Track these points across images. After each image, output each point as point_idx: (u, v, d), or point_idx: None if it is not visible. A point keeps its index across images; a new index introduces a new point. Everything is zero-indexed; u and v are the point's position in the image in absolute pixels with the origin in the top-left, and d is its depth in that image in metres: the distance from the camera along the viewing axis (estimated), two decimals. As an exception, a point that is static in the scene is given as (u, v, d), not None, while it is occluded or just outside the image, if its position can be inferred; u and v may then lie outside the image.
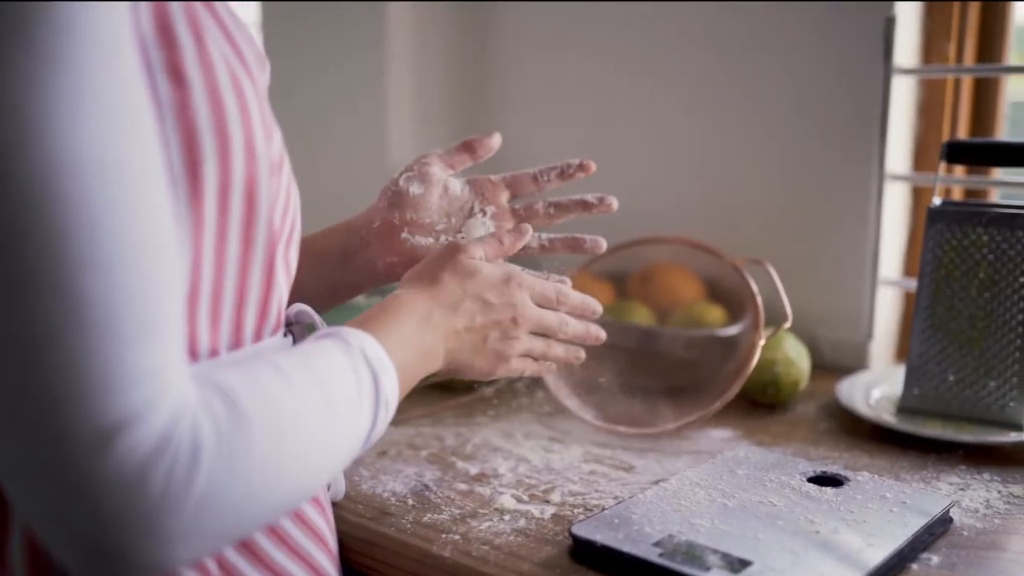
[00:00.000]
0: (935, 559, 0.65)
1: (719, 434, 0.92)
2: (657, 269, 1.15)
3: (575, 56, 1.34)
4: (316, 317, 0.66)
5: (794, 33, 1.15)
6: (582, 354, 0.78)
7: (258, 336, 0.57)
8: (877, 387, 1.01)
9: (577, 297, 0.75)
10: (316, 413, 0.51)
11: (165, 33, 0.48)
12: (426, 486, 0.79)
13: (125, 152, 0.44)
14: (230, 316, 0.54)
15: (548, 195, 0.85)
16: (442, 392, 1.03)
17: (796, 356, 1.01)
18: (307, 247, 0.78)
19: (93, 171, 0.42)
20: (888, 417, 0.93)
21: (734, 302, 1.05)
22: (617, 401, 0.98)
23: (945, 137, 1.14)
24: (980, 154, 0.95)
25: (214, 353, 0.53)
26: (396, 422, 0.95)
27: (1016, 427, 0.89)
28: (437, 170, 0.79)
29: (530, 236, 0.76)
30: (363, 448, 0.57)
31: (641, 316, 1.11)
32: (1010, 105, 1.15)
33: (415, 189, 0.78)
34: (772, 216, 1.19)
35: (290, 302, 0.64)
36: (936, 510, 0.69)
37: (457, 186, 0.81)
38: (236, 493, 0.45)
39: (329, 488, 0.73)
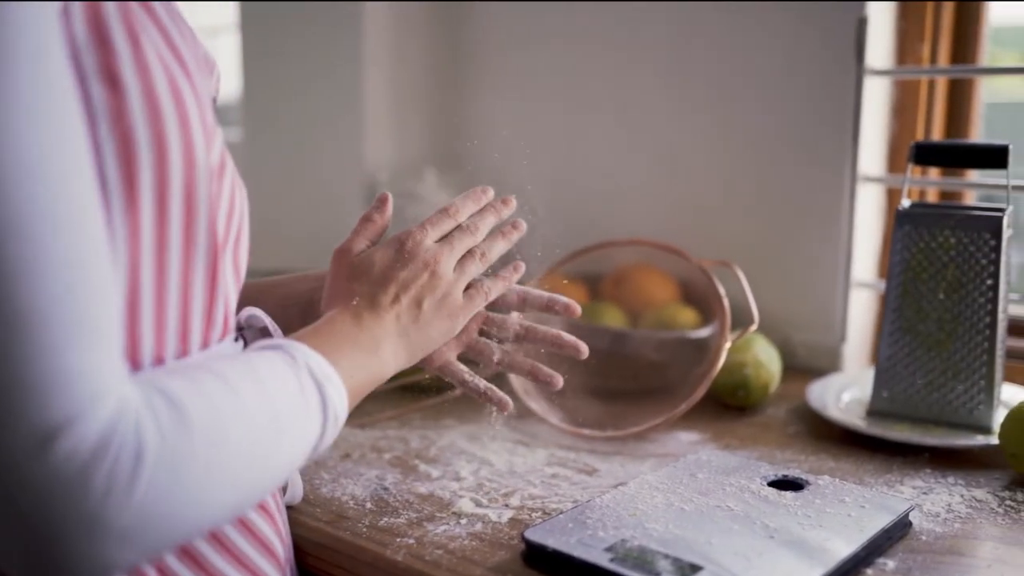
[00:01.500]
0: (891, 564, 0.65)
1: (687, 437, 0.92)
2: (630, 271, 1.15)
3: (551, 58, 1.33)
4: (267, 320, 0.66)
5: (766, 34, 1.14)
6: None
7: (205, 343, 0.56)
8: (848, 390, 1.01)
9: (467, 196, 0.73)
10: (260, 420, 0.51)
11: (99, 35, 0.47)
12: (386, 489, 0.78)
13: (51, 157, 0.43)
14: (175, 323, 0.53)
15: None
16: (411, 394, 1.02)
17: (766, 359, 1.00)
18: (273, 291, 0.76)
19: (19, 176, 0.42)
20: (857, 420, 0.92)
21: (707, 304, 1.04)
22: (586, 404, 0.98)
23: (920, 139, 1.14)
24: (948, 156, 0.94)
25: (159, 361, 0.52)
26: (362, 424, 0.94)
27: (984, 430, 0.88)
28: None
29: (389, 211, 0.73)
30: (312, 456, 0.57)
31: (614, 318, 1.11)
32: (985, 106, 1.14)
33: None
34: (745, 218, 1.19)
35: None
36: (895, 514, 0.69)
37: None
38: (179, 495, 0.45)
39: (285, 492, 0.72)
